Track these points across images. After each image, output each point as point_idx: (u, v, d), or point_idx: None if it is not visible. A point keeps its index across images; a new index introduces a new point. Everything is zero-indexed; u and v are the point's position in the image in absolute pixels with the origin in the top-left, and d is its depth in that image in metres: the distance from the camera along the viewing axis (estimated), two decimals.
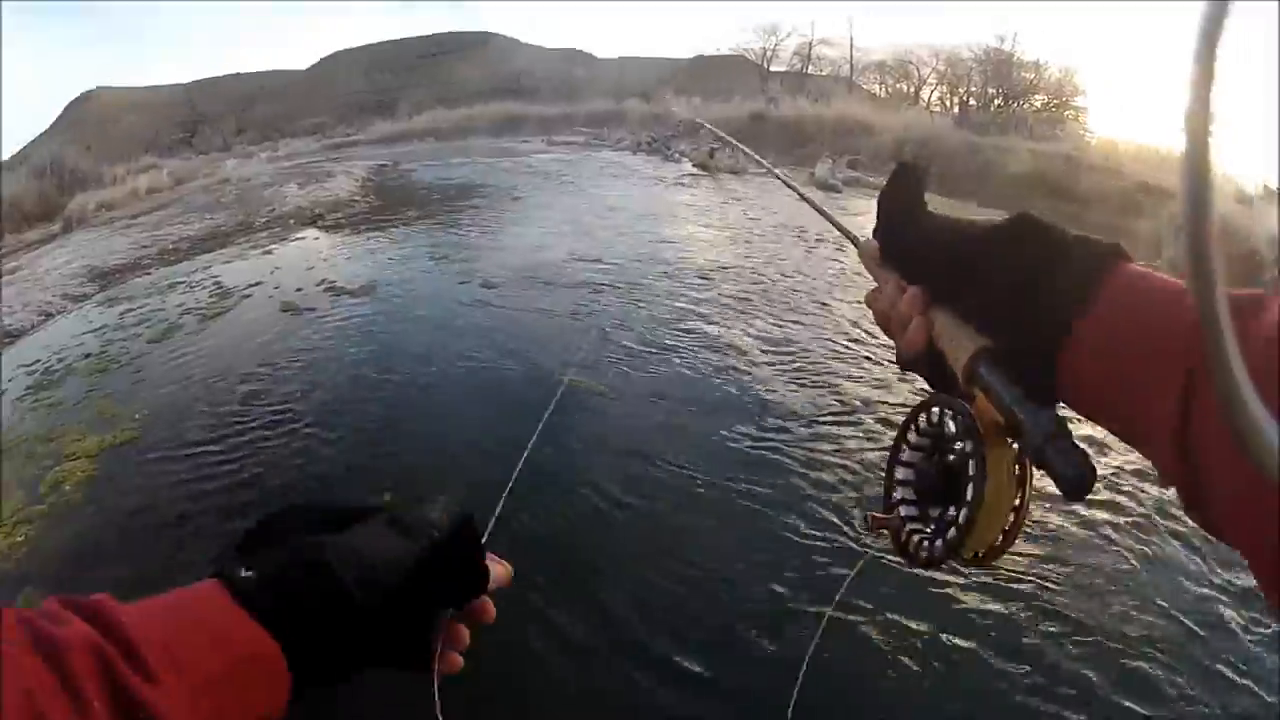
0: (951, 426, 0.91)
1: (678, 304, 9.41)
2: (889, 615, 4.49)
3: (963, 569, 4.85)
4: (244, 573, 0.78)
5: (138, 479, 6.02)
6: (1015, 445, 0.86)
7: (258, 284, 10.86)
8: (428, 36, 59.79)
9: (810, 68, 47.79)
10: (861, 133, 27.05)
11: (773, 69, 48.64)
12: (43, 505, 5.80)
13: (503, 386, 7.26)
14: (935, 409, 0.94)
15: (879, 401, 7.20)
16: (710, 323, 8.82)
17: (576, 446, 6.13)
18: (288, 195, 18.90)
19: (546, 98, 43.23)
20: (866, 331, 8.68)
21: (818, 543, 5.10)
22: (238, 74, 58.64)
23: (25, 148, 46.81)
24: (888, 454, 1.03)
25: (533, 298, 9.58)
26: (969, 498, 0.86)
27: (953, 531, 0.88)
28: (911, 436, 1.00)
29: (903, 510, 0.98)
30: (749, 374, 7.57)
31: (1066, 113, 35.33)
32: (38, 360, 9.10)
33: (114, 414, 7.19)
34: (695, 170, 22.46)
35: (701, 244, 12.70)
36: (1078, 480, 0.74)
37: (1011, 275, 0.85)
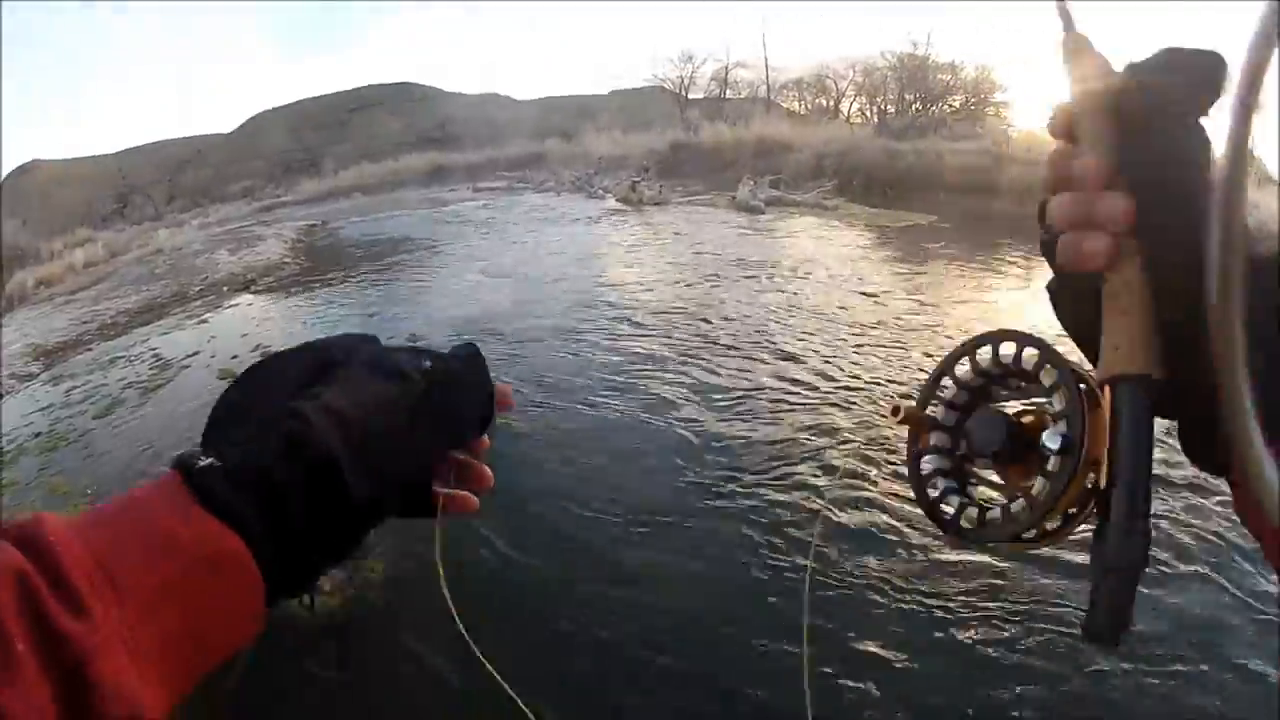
0: (1050, 398, 0.71)
1: (615, 348, 9.60)
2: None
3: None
4: (203, 461, 0.66)
5: None
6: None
7: (195, 353, 11.15)
8: (348, 91, 59.64)
9: (728, 92, 47.76)
10: (781, 151, 27.12)
11: (691, 96, 48.47)
12: None
13: None
14: (1040, 362, 0.72)
15: (817, 441, 7.10)
16: (650, 367, 8.94)
17: (510, 491, 6.28)
18: (220, 262, 19.09)
19: (470, 144, 43.51)
20: (814, 371, 8.63)
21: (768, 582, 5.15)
22: (165, 140, 58.51)
23: None
24: (943, 358, 0.83)
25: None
26: (1036, 494, 0.68)
27: (1014, 505, 0.69)
28: (981, 359, 0.78)
29: (933, 438, 0.81)
30: (689, 417, 7.63)
31: (986, 110, 35.60)
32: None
33: (66, 490, 7.42)
34: (619, 205, 22.81)
35: (632, 283, 12.88)
36: (1101, 631, 0.61)
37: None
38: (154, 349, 11.94)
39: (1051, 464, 0.68)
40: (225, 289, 15.89)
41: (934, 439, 0.81)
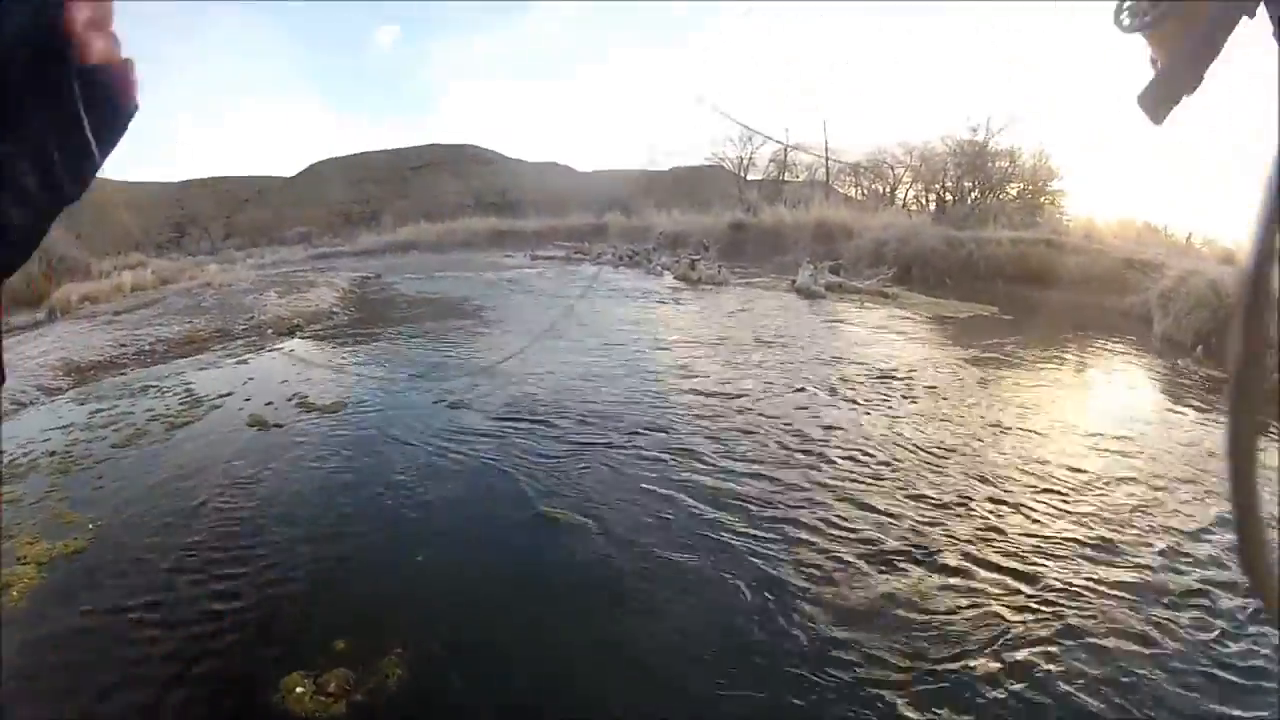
0: None
1: (679, 435, 8.85)
2: None
3: None
4: None
5: (83, 594, 5.65)
6: None
7: (229, 394, 10.68)
8: (411, 148, 60.13)
9: (786, 174, 47.80)
10: (841, 236, 26.98)
11: (749, 177, 48.75)
12: None
13: (468, 515, 6.91)
14: None
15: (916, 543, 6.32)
16: (706, 456, 8.16)
17: (557, 589, 5.73)
18: (268, 303, 18.81)
19: (528, 211, 43.65)
20: (910, 468, 7.89)
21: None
22: (227, 177, 58.83)
23: None
24: None
25: (515, 426, 9.13)
26: None
27: None
28: None
29: None
30: (755, 515, 6.86)
31: (1042, 199, 35.25)
32: (4, 452, 8.84)
33: (69, 520, 6.88)
34: (678, 282, 22.43)
35: (702, 363, 12.27)
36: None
37: None
38: (188, 383, 11.52)
39: None
40: (270, 331, 15.53)
41: None
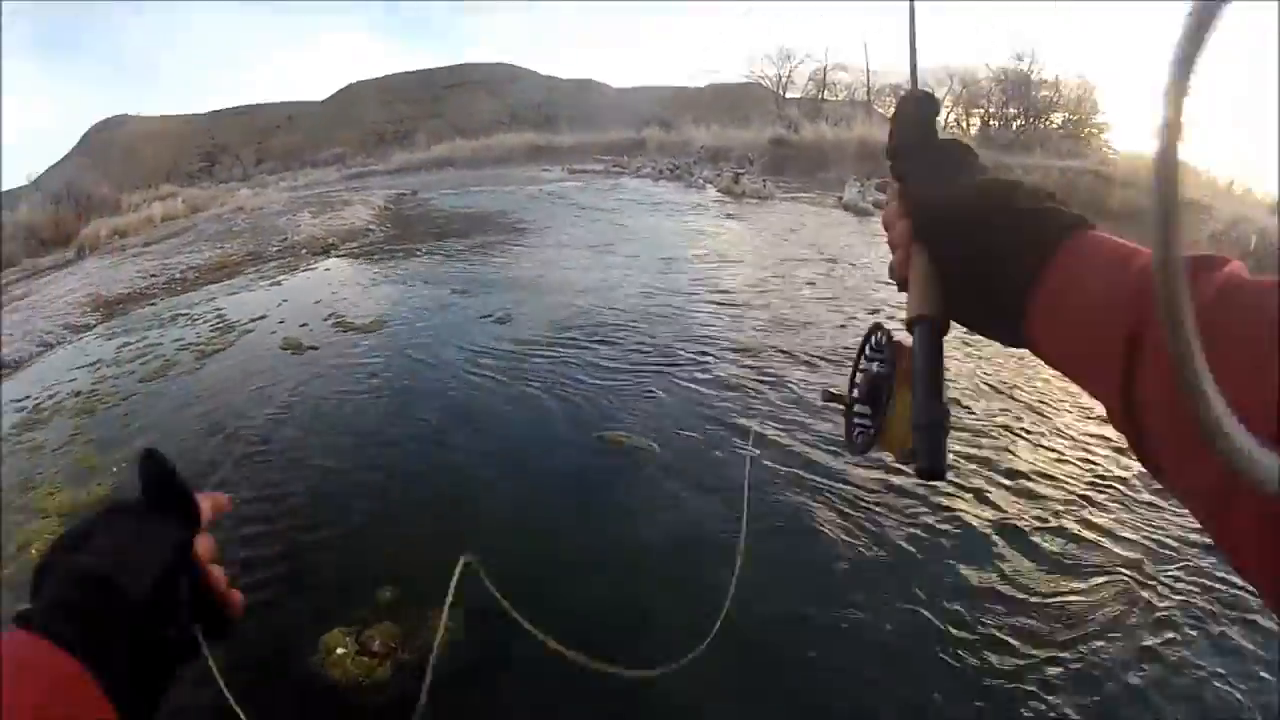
0: (884, 354, 1.06)
1: (745, 362, 8.09)
2: None
3: None
4: (26, 609, 0.80)
5: None
6: None
7: (261, 318, 10.17)
8: (445, 68, 59.34)
9: (825, 93, 47.50)
10: (884, 155, 25.98)
11: (788, 95, 48.25)
12: (8, 569, 4.98)
13: (523, 439, 6.27)
14: (879, 333, 1.09)
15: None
16: (779, 388, 7.48)
17: (621, 525, 5.13)
18: (301, 224, 18.34)
19: (564, 127, 42.95)
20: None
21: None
22: (257, 104, 58.26)
23: (42, 175, 46.49)
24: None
25: (565, 345, 8.48)
26: (883, 413, 1.01)
27: (873, 432, 1.03)
28: (868, 350, 1.10)
29: (857, 406, 1.10)
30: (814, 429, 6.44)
31: (1087, 130, 34.53)
32: (29, 396, 8.50)
33: (92, 465, 6.42)
34: (721, 196, 21.67)
35: (759, 282, 11.55)
36: (928, 471, 0.89)
37: (971, 244, 0.89)
38: (219, 309, 11.00)
39: (885, 392, 1.01)
40: (304, 251, 14.97)
41: (858, 406, 1.11)
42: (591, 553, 4.78)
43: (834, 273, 12.51)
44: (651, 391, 7.09)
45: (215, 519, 1.04)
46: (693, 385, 7.28)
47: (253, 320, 10.07)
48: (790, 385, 7.33)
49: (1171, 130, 0.41)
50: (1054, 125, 35.06)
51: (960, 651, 3.99)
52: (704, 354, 8.12)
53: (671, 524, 5.04)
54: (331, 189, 27.49)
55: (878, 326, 1.08)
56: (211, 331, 9.84)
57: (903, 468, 1.10)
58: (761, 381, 7.45)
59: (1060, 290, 0.80)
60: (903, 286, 1.02)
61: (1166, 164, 0.41)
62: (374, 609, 4.21)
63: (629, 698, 3.73)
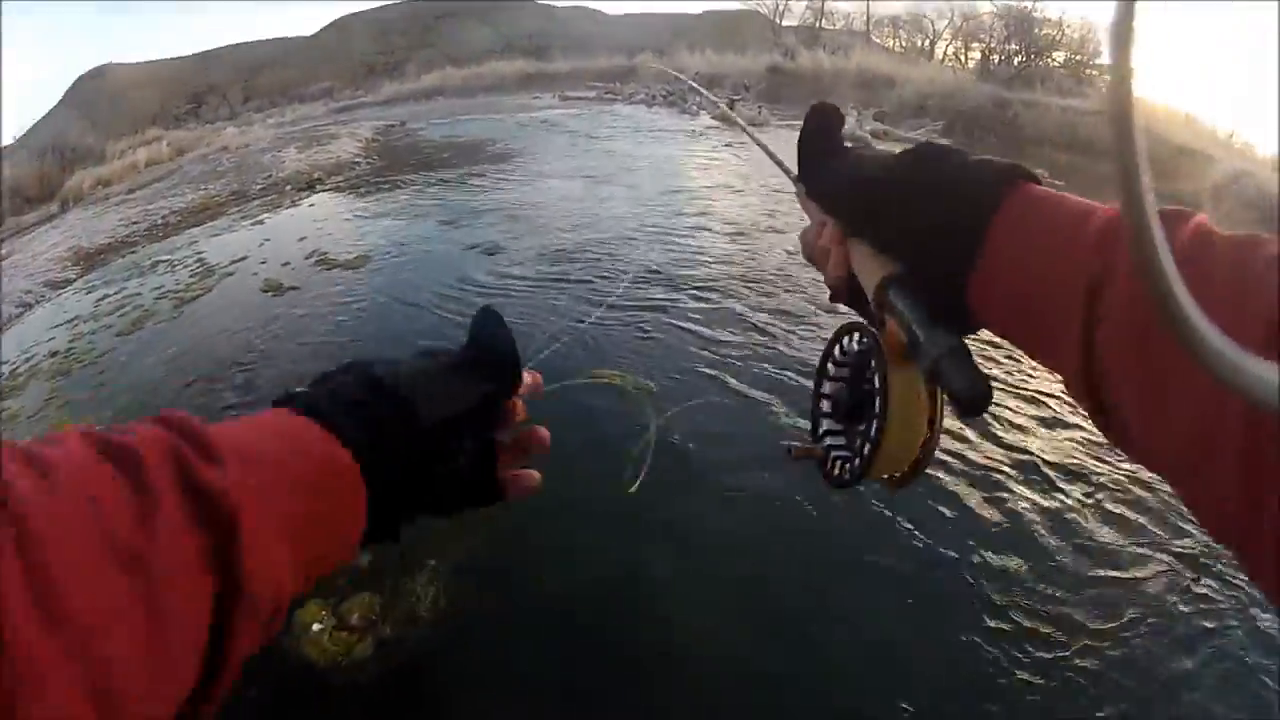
0: (862, 350, 0.94)
1: (746, 299, 7.72)
2: None
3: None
4: (300, 389, 0.79)
5: None
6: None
7: (243, 259, 9.87)
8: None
9: (823, 22, 46.94)
10: (883, 85, 26.30)
11: (785, 23, 47.67)
12: None
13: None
14: (848, 335, 0.96)
15: None
16: (779, 330, 7.12)
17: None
18: (286, 160, 17.99)
19: (557, 55, 42.57)
20: None
21: None
22: (245, 43, 57.59)
23: (34, 126, 46.65)
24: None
25: (556, 279, 8.12)
26: (875, 418, 0.86)
27: (866, 449, 0.87)
28: (831, 367, 1.00)
29: (829, 439, 0.97)
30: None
31: (1088, 70, 34.17)
32: (5, 362, 8.27)
33: (68, 429, 5.92)
34: (715, 123, 21.10)
35: (758, 214, 11.01)
36: (971, 395, 0.73)
37: (910, 206, 0.83)
38: (200, 253, 10.73)
39: (878, 389, 0.86)
40: (288, 188, 14.57)
41: (829, 439, 0.97)
42: (574, 508, 4.43)
43: None
44: (643, 335, 6.73)
45: (534, 394, 0.98)
46: (688, 320, 6.95)
47: (234, 262, 9.79)
48: (791, 320, 7.02)
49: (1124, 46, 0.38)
50: (1055, 64, 34.53)
51: (990, 640, 3.71)
52: (702, 286, 7.78)
53: (668, 477, 4.70)
54: (319, 123, 27.22)
55: (847, 328, 0.96)
56: (191, 277, 9.58)
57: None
58: (752, 315, 7.16)
59: (1008, 245, 0.73)
60: (846, 298, 0.95)
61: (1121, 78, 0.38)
62: (352, 576, 3.96)
63: (632, 664, 3.61)
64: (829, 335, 0.97)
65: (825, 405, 0.99)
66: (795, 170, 1.09)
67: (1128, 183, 0.38)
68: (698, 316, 7.00)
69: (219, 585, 0.56)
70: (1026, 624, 3.78)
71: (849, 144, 1.02)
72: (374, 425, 0.76)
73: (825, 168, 1.00)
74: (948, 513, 4.50)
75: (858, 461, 0.88)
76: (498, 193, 12.58)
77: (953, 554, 4.17)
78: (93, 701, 0.46)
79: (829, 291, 0.98)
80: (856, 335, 0.94)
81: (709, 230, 9.77)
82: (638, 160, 15.23)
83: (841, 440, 0.96)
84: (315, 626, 3.68)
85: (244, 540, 0.57)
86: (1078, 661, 3.61)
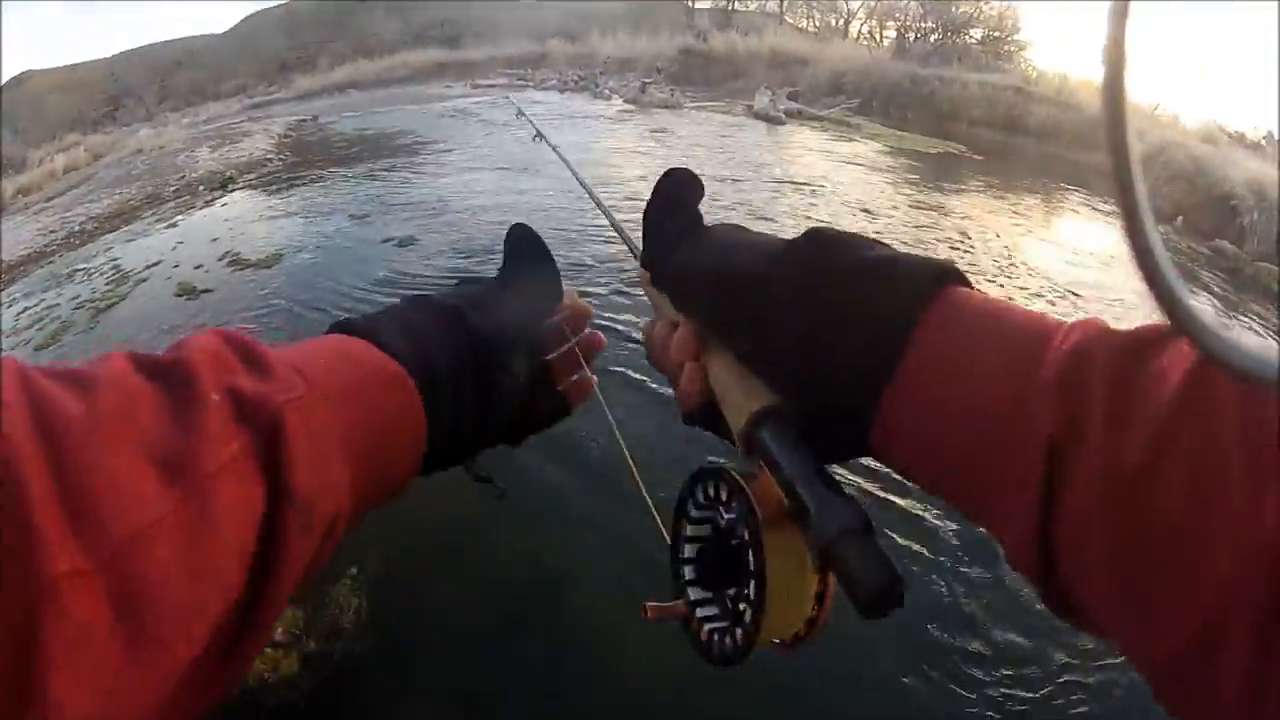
0: (727, 502, 0.73)
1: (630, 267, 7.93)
2: None
3: None
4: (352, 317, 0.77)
5: None
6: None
7: (157, 264, 9.82)
8: None
9: (737, 4, 46.67)
10: (797, 64, 26.28)
11: (698, 6, 47.55)
12: None
13: None
14: (709, 481, 0.75)
15: None
16: None
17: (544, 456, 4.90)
18: (199, 160, 17.79)
19: (470, 43, 42.26)
20: None
21: None
22: (159, 43, 56.32)
23: None
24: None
25: (469, 262, 8.35)
26: (752, 591, 0.68)
27: (744, 623, 0.69)
28: (692, 510, 0.78)
29: (693, 593, 0.77)
30: None
31: (1006, 47, 34.38)
32: None
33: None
34: (628, 106, 21.38)
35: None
36: (877, 594, 0.57)
37: (798, 317, 0.67)
38: (115, 259, 10.64)
39: (751, 556, 0.68)
40: (201, 188, 14.40)
41: (693, 593, 0.78)
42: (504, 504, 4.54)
43: (739, 180, 12.37)
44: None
45: (578, 315, 0.96)
46: (611, 307, 7.03)
47: (148, 267, 9.76)
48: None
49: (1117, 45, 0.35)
50: (973, 41, 34.57)
51: (961, 667, 3.70)
52: (617, 272, 7.90)
53: (598, 473, 4.81)
54: (232, 121, 26.79)
55: (708, 473, 0.75)
56: (107, 285, 9.56)
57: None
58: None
59: (933, 374, 0.60)
60: (701, 422, 0.81)
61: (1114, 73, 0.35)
62: None
63: (563, 670, 3.62)
64: None
65: (688, 551, 0.79)
66: (640, 248, 0.92)
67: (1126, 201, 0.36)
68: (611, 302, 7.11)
69: (267, 492, 0.55)
70: (1008, 640, 3.82)
71: (709, 223, 0.86)
72: (424, 337, 0.75)
73: (681, 251, 0.82)
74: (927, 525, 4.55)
75: (735, 631, 0.71)
76: (408, 185, 12.63)
77: (931, 575, 4.17)
78: (123, 620, 0.45)
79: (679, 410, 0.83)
80: (721, 484, 0.74)
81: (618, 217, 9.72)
82: (544, 148, 15.04)
83: (710, 600, 0.77)
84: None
85: (289, 444, 0.56)
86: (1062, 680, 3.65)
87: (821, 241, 0.69)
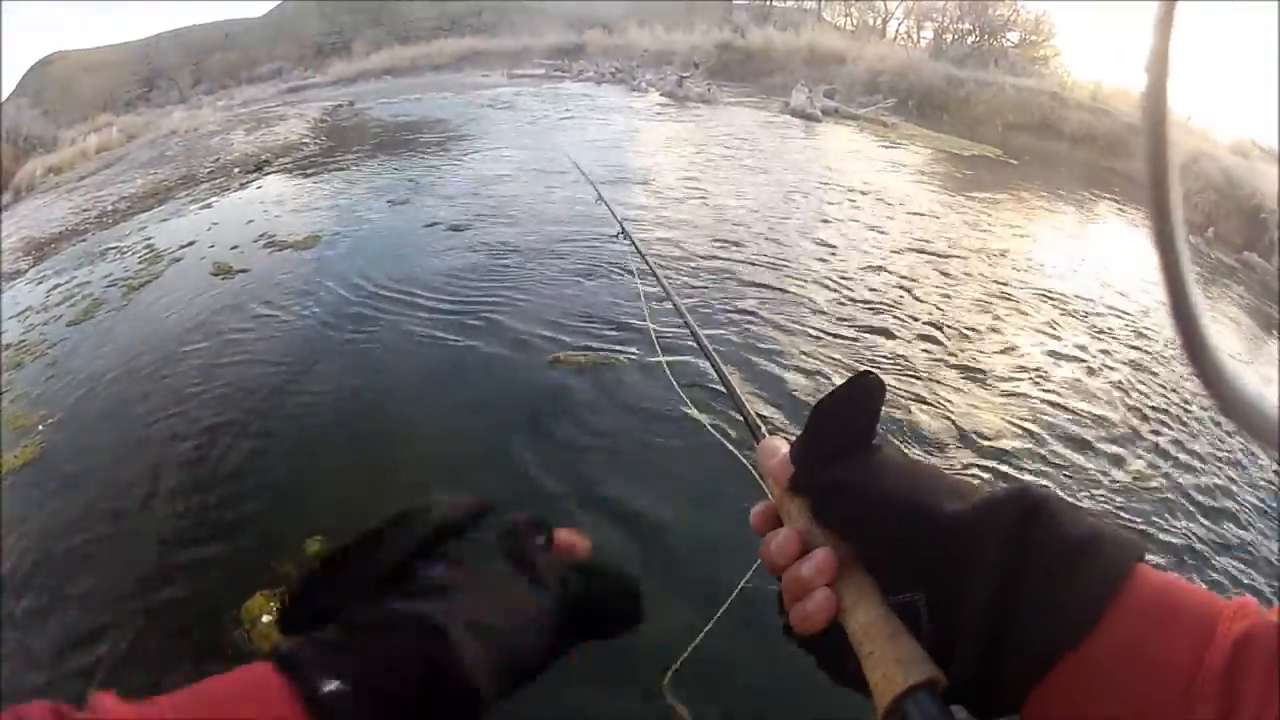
0: None
1: (674, 253, 7.98)
2: None
3: None
4: (329, 685, 0.58)
5: (29, 522, 4.76)
6: None
7: (191, 244, 9.73)
8: None
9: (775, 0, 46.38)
10: (834, 62, 26.31)
11: (737, 1, 47.24)
12: None
13: (464, 366, 5.85)
14: None
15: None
16: (724, 280, 7.42)
17: (579, 455, 4.81)
18: (234, 143, 17.85)
19: (506, 32, 42.16)
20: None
21: None
22: (195, 25, 56.52)
23: None
24: None
25: (514, 258, 8.08)
26: None
27: None
28: None
29: None
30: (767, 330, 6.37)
31: (1042, 51, 34.23)
32: None
33: (20, 424, 6.11)
34: (664, 100, 21.30)
35: (706, 190, 11.10)
36: None
37: (1006, 577, 0.63)
38: (149, 238, 10.57)
39: None
40: (236, 170, 14.37)
41: None
42: (534, 484, 4.43)
43: (778, 180, 12.26)
44: (593, 316, 6.66)
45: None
46: (626, 294, 6.94)
47: (182, 247, 9.66)
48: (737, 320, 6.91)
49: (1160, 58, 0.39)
50: (1010, 44, 34.37)
51: None
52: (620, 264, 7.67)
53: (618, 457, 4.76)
54: (267, 105, 26.88)
55: None
56: (140, 263, 9.45)
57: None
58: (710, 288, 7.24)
59: (1105, 656, 0.58)
60: (814, 646, 0.74)
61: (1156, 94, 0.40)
62: (299, 562, 3.90)
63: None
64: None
65: None
66: (791, 453, 0.81)
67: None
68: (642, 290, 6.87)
69: None
70: None
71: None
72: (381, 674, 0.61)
73: (850, 467, 0.75)
74: None
75: None
76: (443, 173, 12.50)
77: None
78: None
79: (782, 624, 0.77)
80: None
81: (642, 204, 9.86)
82: (580, 139, 15.29)
83: None
84: (265, 618, 3.63)
85: None
86: None
87: (1033, 504, 0.65)
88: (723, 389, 1.02)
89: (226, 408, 5.53)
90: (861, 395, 0.76)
